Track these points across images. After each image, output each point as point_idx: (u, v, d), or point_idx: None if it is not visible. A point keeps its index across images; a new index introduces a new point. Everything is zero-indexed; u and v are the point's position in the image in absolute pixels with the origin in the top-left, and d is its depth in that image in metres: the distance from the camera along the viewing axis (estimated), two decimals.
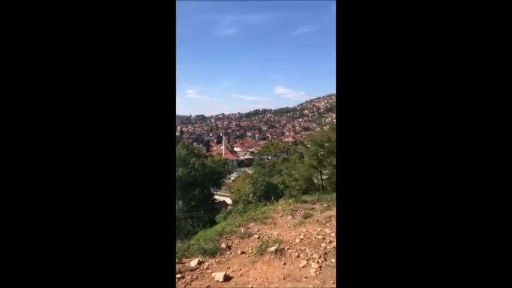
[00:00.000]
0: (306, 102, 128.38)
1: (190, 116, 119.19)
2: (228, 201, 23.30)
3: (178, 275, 2.64)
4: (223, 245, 3.26)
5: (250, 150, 56.14)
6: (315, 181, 18.53)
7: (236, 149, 61.23)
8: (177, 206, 18.83)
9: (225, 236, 3.57)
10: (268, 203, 6.12)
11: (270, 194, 17.95)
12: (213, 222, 15.93)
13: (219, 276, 2.60)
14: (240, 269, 2.74)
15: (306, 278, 2.50)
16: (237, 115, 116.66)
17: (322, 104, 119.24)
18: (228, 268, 2.79)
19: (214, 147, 60.27)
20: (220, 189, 24.38)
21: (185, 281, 2.59)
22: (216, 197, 23.39)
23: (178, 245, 3.46)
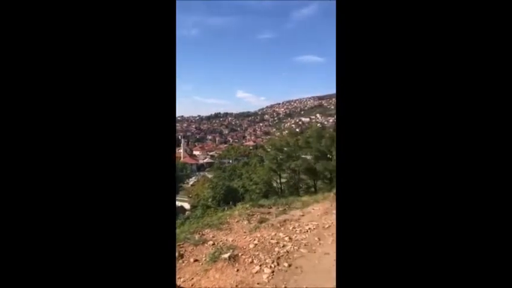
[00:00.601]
0: (267, 107, 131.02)
1: None
2: (187, 206, 22.67)
3: None
4: (176, 254, 3.13)
5: (211, 153, 55.35)
6: (274, 184, 18.89)
7: (196, 152, 59.91)
8: None
9: (178, 244, 3.43)
10: (225, 208, 6.05)
11: (229, 198, 17.89)
12: None
13: None
14: (192, 278, 2.65)
15: (258, 283, 2.50)
16: (197, 118, 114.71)
17: (282, 109, 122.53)
18: (179, 278, 2.68)
19: None
20: (178, 194, 23.64)
21: None
22: None
23: None
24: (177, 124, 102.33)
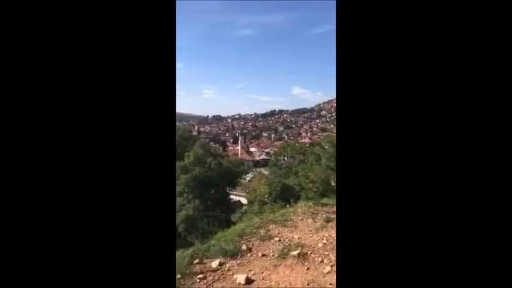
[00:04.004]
0: (324, 102, 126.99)
1: (208, 116, 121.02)
2: (243, 201, 23.33)
3: (200, 276, 2.62)
4: (244, 247, 3.22)
5: (266, 150, 55.99)
6: (332, 183, 18.20)
7: (252, 149, 61.31)
8: (193, 205, 19.09)
9: (245, 238, 3.53)
10: (288, 205, 6.03)
11: (285, 195, 17.84)
12: (228, 222, 15.97)
13: (240, 278, 2.56)
14: (262, 272, 2.70)
15: (330, 284, 2.42)
16: (253, 115, 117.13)
17: None
18: (250, 271, 2.75)
19: (230, 147, 60.54)
20: (235, 189, 24.47)
21: (207, 281, 2.57)
22: (231, 196, 23.50)
23: (198, 244, 3.47)
24: (234, 122, 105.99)
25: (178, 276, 2.58)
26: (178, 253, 3.15)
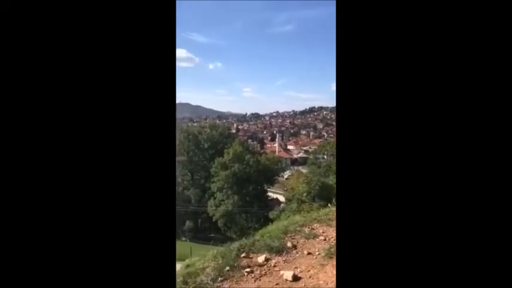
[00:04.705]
0: None
1: (246, 114, 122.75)
2: (281, 198, 23.33)
3: (247, 269, 2.69)
4: (289, 244, 3.23)
5: (304, 148, 55.24)
6: None
7: (290, 147, 60.91)
8: (232, 201, 19.58)
9: (289, 235, 3.54)
10: (329, 204, 5.91)
11: (325, 194, 17.48)
12: (266, 219, 16.09)
13: (287, 275, 2.58)
14: (309, 270, 2.68)
15: None
16: (291, 113, 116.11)
17: None
18: (296, 268, 2.75)
19: (268, 145, 60.82)
20: (273, 186, 24.54)
21: (254, 275, 2.63)
22: (269, 193, 23.63)
23: (243, 239, 3.55)
24: (272, 119, 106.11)
25: (227, 268, 2.68)
26: (225, 247, 3.27)
